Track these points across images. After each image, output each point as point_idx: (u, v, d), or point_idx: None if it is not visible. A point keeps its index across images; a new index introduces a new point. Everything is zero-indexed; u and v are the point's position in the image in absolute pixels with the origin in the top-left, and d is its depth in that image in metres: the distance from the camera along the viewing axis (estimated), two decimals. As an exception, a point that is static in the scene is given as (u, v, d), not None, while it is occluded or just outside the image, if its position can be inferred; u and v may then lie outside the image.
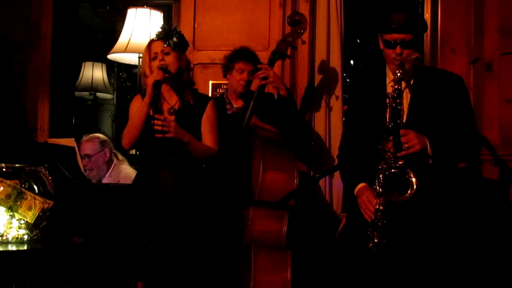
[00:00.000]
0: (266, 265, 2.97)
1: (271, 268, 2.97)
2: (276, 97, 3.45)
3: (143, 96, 2.84)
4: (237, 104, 3.41)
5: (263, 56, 4.00)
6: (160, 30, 2.86)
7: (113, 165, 3.93)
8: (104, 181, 3.89)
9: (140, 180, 2.93)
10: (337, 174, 3.79)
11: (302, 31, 3.39)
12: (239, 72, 3.34)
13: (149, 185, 2.81)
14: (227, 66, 3.40)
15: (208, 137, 2.87)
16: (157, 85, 2.76)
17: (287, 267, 2.96)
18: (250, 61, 3.35)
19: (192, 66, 3.99)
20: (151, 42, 2.89)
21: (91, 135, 4.04)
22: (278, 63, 3.68)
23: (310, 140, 3.84)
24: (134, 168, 3.97)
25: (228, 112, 3.40)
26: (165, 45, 2.81)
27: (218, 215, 2.96)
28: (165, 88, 2.85)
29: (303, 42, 3.38)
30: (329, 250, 3.30)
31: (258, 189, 3.01)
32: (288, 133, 3.33)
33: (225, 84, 3.68)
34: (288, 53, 3.40)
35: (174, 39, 2.81)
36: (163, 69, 2.77)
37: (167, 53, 2.81)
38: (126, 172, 3.91)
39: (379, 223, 2.43)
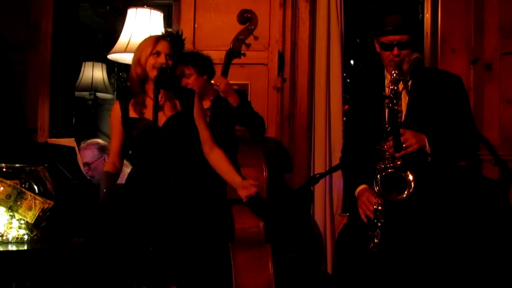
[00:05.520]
0: (246, 262, 2.94)
1: (251, 264, 2.94)
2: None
3: (121, 102, 2.84)
4: (205, 104, 3.34)
5: (263, 56, 4.02)
6: (171, 34, 2.87)
7: None
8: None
9: (135, 178, 2.90)
10: (336, 174, 3.79)
11: (253, 27, 3.40)
12: (186, 78, 3.34)
13: (145, 184, 2.78)
14: None
15: (205, 133, 2.86)
16: (157, 83, 2.74)
17: (268, 261, 2.93)
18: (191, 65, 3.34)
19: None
20: (159, 39, 2.86)
21: (88, 141, 3.94)
22: (279, 62, 3.64)
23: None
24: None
25: None
26: (172, 51, 2.80)
27: (211, 212, 2.96)
28: (150, 86, 2.81)
29: (256, 38, 3.40)
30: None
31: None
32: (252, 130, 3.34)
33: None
34: (242, 51, 3.38)
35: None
36: (163, 68, 2.74)
37: (170, 57, 2.80)
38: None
39: (378, 223, 2.43)
